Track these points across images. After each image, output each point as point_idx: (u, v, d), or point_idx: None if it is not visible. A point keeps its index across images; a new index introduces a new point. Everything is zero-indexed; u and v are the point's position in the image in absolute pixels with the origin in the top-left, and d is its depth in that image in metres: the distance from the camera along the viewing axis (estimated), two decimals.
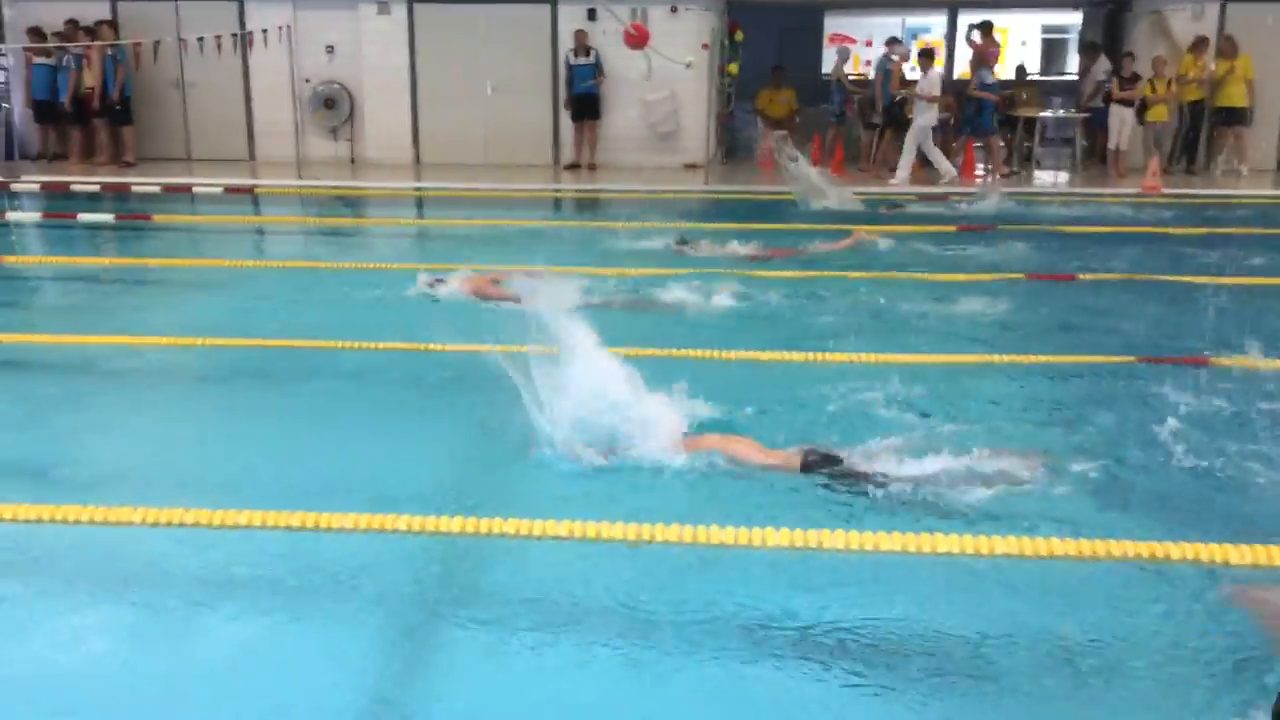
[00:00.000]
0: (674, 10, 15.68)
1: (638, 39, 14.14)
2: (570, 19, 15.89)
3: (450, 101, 16.28)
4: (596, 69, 15.66)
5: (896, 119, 15.20)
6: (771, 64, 17.09)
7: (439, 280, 7.53)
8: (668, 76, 15.38)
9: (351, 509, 4.09)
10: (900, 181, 14.50)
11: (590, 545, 3.90)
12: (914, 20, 24.23)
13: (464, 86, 16.13)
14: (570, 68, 15.76)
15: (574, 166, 15.90)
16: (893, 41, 16.15)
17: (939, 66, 14.70)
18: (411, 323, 6.91)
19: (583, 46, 15.63)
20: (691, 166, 15.96)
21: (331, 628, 3.41)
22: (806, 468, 4.43)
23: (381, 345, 6.35)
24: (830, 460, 4.45)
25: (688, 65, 15.05)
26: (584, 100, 15.78)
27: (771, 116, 16.59)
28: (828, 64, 21.05)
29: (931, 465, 4.42)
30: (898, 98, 15.14)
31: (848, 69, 17.14)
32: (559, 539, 3.93)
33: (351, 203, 13.83)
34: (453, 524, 4.01)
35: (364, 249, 11.07)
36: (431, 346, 6.24)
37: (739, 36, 16.59)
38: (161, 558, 3.83)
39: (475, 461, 4.71)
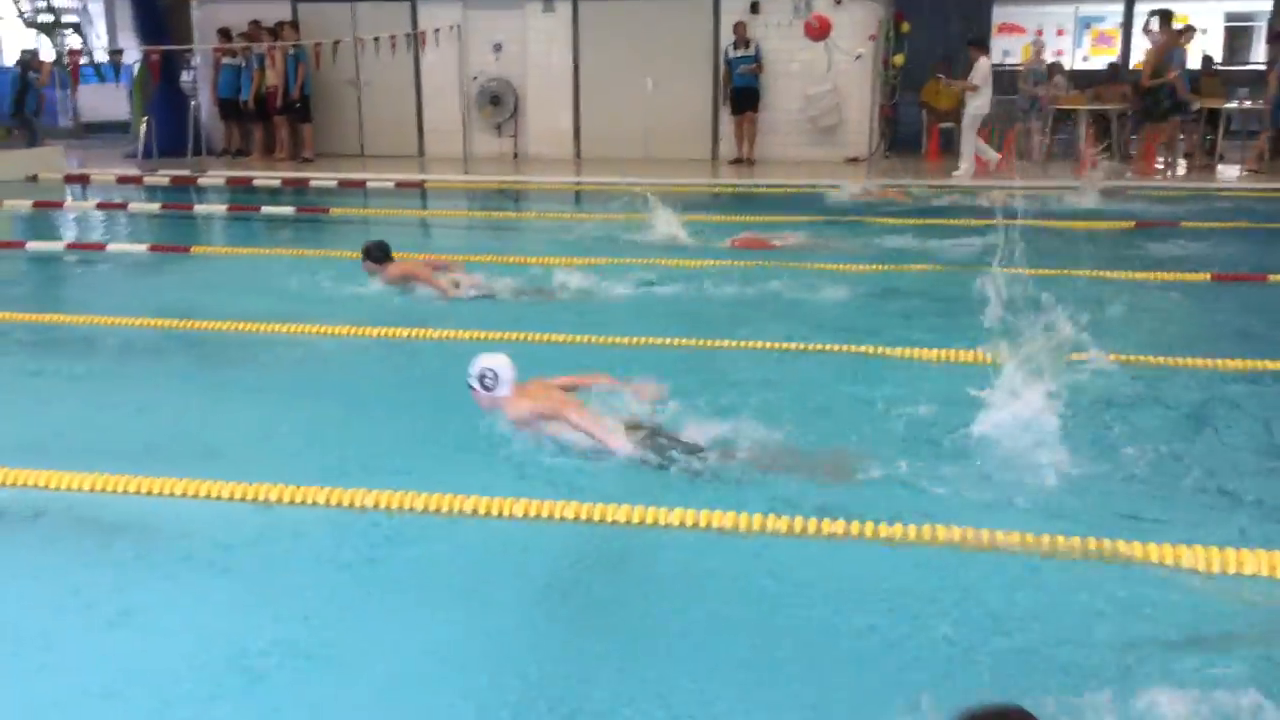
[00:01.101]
0: (838, 1, 15.46)
1: (819, 30, 14.00)
2: (731, 11, 15.84)
3: (611, 97, 16.44)
4: (756, 61, 15.58)
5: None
6: (938, 55, 16.67)
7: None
8: (820, 68, 15.19)
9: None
10: (963, 174, 14.06)
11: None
12: (1088, 9, 23.24)
13: (625, 81, 16.26)
14: (730, 61, 15.72)
15: (736, 161, 15.84)
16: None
17: (986, 58, 14.35)
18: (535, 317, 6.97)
19: (743, 39, 15.56)
20: (853, 160, 15.72)
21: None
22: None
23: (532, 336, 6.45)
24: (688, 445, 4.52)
25: (857, 57, 14.84)
26: (744, 93, 15.71)
27: (937, 109, 16.21)
28: (996, 54, 20.40)
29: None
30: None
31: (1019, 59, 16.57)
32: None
33: (514, 197, 14.09)
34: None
35: (522, 241, 11.24)
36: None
37: (905, 28, 16.24)
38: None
39: None
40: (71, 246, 9.79)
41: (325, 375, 5.99)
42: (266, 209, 12.09)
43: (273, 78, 16.23)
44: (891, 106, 16.46)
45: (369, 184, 14.21)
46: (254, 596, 3.54)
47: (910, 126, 17.17)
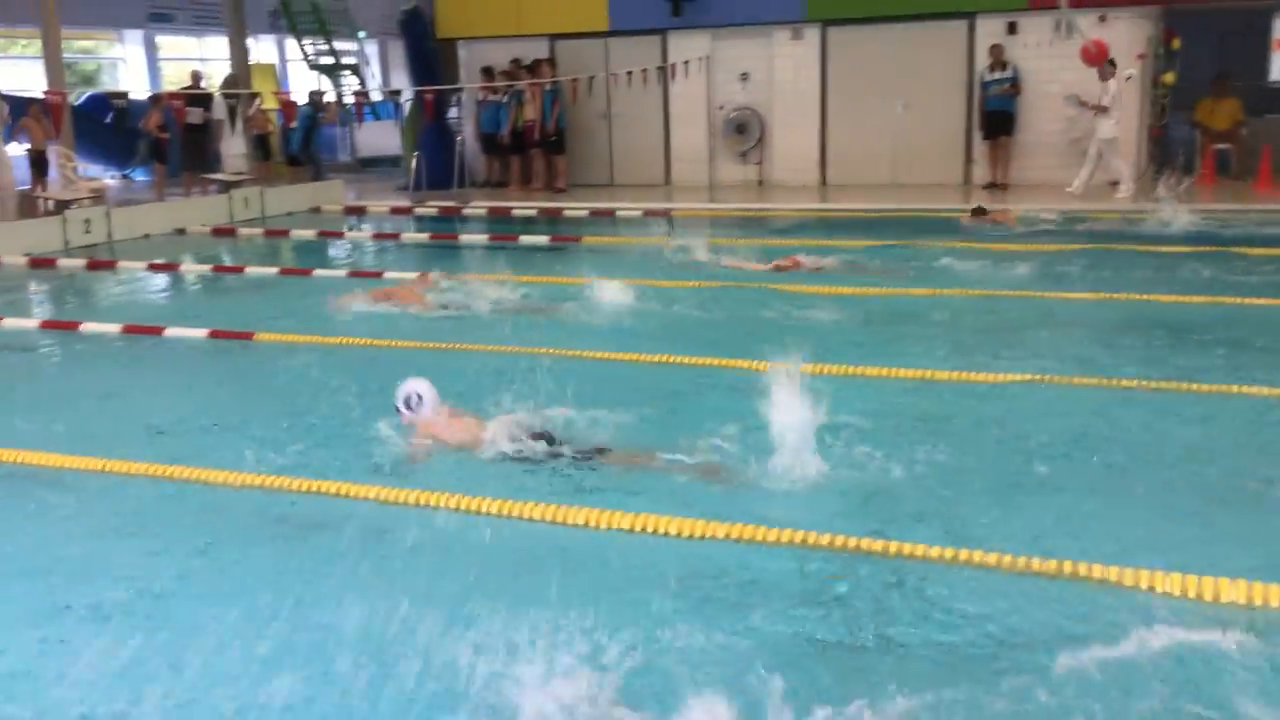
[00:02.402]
0: (1102, 19, 14.77)
1: (1098, 56, 13.45)
2: (987, 33, 15.42)
3: (858, 122, 16.31)
4: (1012, 83, 15.08)
5: None
6: (1213, 72, 15.65)
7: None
8: (1094, 90, 14.50)
9: None
10: (1075, 191, 13.92)
11: None
12: None
13: (872, 106, 16.10)
14: (985, 83, 15.28)
15: (990, 186, 15.37)
16: None
17: (1115, 79, 13.66)
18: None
19: (999, 61, 15.11)
20: (1117, 184, 14.93)
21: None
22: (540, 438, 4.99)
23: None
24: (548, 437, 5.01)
25: (1127, 78, 14.13)
26: (997, 117, 15.24)
27: (1212, 129, 15.20)
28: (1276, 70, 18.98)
29: None
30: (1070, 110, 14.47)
31: None
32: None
33: (758, 224, 14.15)
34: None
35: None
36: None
37: (1175, 44, 15.35)
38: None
39: None
40: (353, 275, 10.54)
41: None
42: (524, 239, 12.64)
43: (530, 112, 17.00)
44: (1161, 127, 15.56)
45: (618, 213, 14.64)
46: None
47: (1180, 148, 16.17)
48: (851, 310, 8.14)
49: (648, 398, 5.91)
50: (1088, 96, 13.95)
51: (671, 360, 6.74)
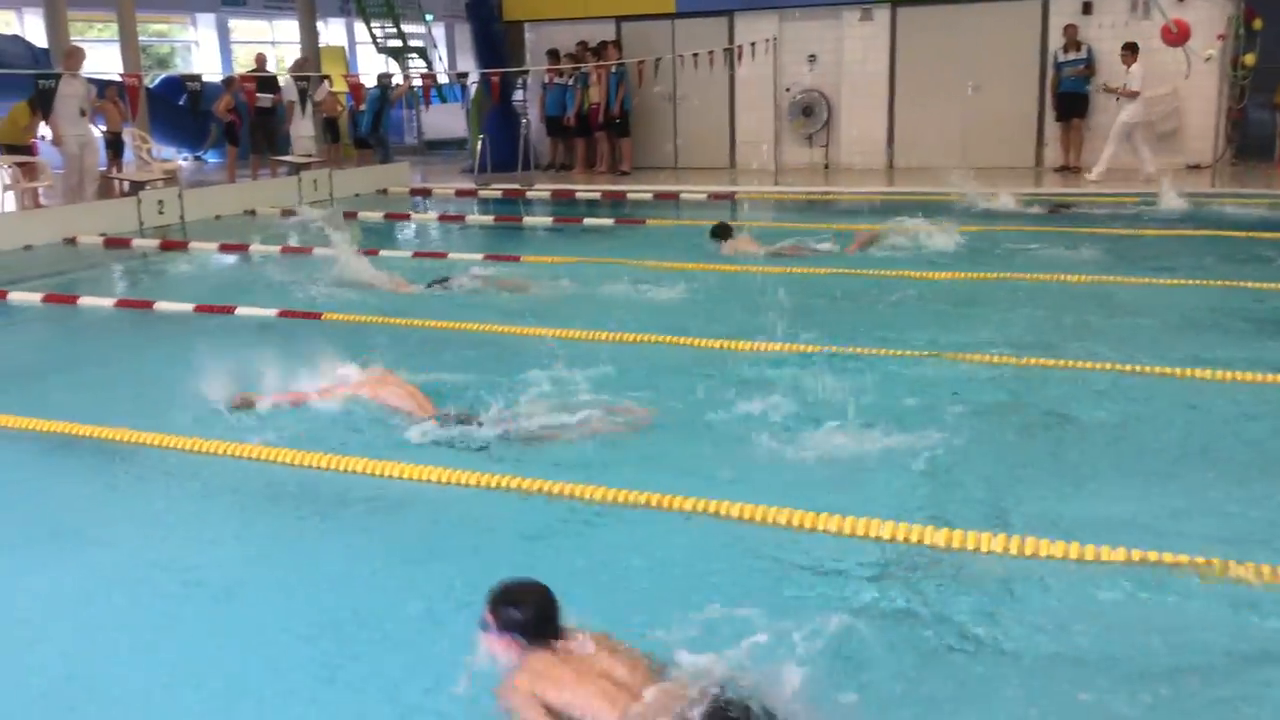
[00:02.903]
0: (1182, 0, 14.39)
1: (1179, 36, 13.13)
2: (1061, 13, 15.10)
3: (927, 104, 16.08)
4: (1087, 64, 14.76)
5: None
6: None
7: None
8: (1169, 71, 14.15)
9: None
10: (1095, 178, 13.69)
11: None
12: None
13: (942, 88, 15.87)
14: (1058, 64, 14.97)
15: (1063, 169, 15.07)
16: None
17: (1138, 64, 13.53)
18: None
19: (1073, 41, 14.80)
20: (1195, 168, 14.57)
21: None
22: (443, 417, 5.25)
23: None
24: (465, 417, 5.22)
25: (1207, 59, 13.78)
26: (1071, 99, 14.94)
27: None
28: None
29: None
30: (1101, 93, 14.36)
31: None
32: None
33: (822, 207, 14.01)
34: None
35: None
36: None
37: (1257, 24, 14.88)
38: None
39: None
40: (417, 255, 10.64)
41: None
42: (588, 220, 12.65)
43: (595, 95, 16.99)
44: (1240, 109, 15.13)
45: (682, 196, 14.59)
46: None
47: (1261, 129, 15.70)
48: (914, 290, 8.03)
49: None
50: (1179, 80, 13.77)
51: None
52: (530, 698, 2.82)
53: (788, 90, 16.84)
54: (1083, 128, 15.04)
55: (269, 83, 16.73)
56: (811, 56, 16.71)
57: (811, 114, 16.81)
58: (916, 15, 16.03)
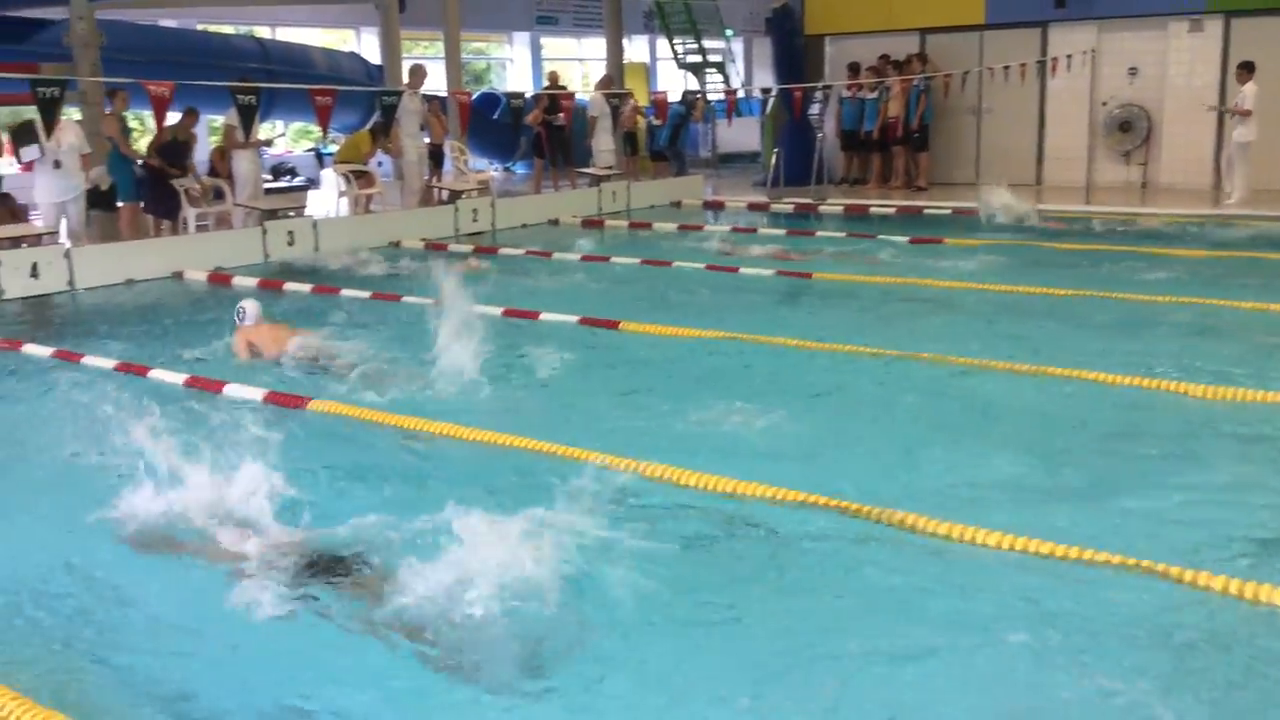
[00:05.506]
0: None
1: None
2: None
3: (1263, 122, 14.67)
4: None
5: None
6: None
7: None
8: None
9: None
10: (1237, 203, 13.37)
11: None
12: None
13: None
14: None
15: None
16: None
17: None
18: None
19: None
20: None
21: None
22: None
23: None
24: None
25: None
26: None
27: None
28: None
29: None
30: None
31: None
32: None
33: (1138, 231, 13.08)
34: None
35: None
36: None
37: None
38: None
39: None
40: (710, 268, 10.77)
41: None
42: (882, 237, 12.38)
43: (895, 108, 16.67)
44: None
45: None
46: None
47: None
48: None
49: None
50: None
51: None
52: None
53: (1104, 104, 15.89)
54: None
55: (560, 99, 17.42)
56: (1132, 69, 15.70)
57: (1129, 129, 15.79)
58: (1253, 26, 14.74)
